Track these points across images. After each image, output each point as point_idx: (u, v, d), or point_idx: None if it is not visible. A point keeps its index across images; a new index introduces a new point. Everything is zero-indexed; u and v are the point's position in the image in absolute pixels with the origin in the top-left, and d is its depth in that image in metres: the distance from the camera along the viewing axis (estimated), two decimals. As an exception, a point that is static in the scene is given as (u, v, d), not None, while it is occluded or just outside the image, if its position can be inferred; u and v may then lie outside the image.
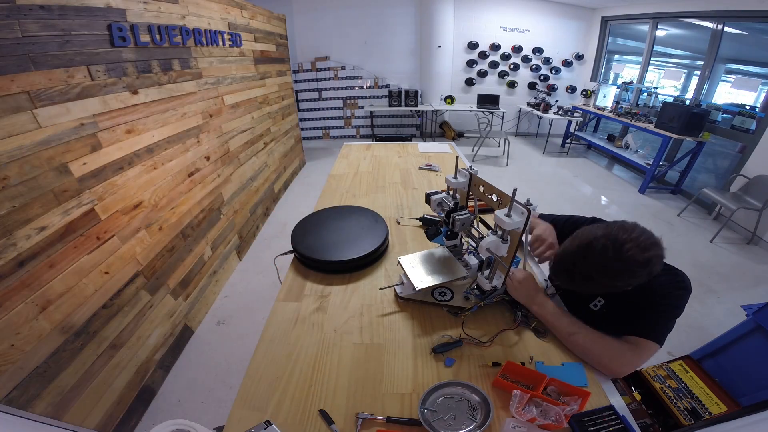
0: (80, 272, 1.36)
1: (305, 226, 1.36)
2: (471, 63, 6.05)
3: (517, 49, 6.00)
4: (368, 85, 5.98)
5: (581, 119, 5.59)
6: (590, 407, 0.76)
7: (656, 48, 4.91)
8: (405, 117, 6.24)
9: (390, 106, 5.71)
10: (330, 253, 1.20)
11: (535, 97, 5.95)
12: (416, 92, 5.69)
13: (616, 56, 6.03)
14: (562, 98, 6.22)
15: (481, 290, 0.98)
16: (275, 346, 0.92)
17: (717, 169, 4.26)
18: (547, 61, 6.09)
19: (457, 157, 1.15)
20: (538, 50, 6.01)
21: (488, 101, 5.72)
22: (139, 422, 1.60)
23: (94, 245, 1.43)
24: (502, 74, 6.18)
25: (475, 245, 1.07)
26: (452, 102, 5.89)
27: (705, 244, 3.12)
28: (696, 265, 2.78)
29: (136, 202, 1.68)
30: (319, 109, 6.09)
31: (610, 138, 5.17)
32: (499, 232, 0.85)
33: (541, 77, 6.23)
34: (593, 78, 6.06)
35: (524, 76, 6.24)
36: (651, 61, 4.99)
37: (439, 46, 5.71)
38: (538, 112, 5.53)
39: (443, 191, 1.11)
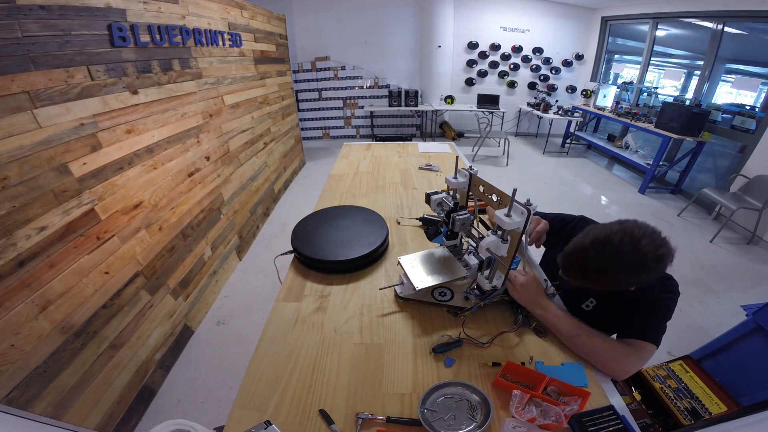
0: (80, 272, 1.36)
1: (305, 226, 1.36)
2: (471, 63, 6.06)
3: (517, 49, 6.00)
4: (368, 85, 5.97)
5: (581, 119, 5.59)
6: (590, 407, 0.76)
7: (656, 48, 4.91)
8: (405, 117, 6.24)
9: (390, 106, 5.71)
10: (330, 252, 1.20)
11: (535, 97, 5.95)
12: (416, 92, 5.69)
13: (616, 56, 6.03)
14: (562, 98, 6.22)
15: (481, 290, 0.98)
16: (275, 346, 0.92)
17: (717, 169, 4.25)
18: (547, 61, 6.09)
19: (457, 157, 1.14)
20: (538, 50, 6.01)
21: (488, 101, 5.72)
22: (139, 422, 1.60)
23: (94, 245, 1.43)
24: (502, 74, 6.18)
25: (475, 245, 1.07)
26: (452, 102, 5.89)
27: (705, 244, 3.12)
28: (696, 265, 2.78)
29: (136, 202, 1.68)
30: (319, 109, 6.09)
31: (610, 138, 5.17)
32: (499, 233, 0.85)
33: (541, 77, 6.23)
34: (593, 78, 6.06)
35: (524, 76, 6.24)
36: (651, 61, 4.99)
37: (439, 46, 5.71)
38: (538, 112, 5.53)
39: (443, 191, 1.11)
